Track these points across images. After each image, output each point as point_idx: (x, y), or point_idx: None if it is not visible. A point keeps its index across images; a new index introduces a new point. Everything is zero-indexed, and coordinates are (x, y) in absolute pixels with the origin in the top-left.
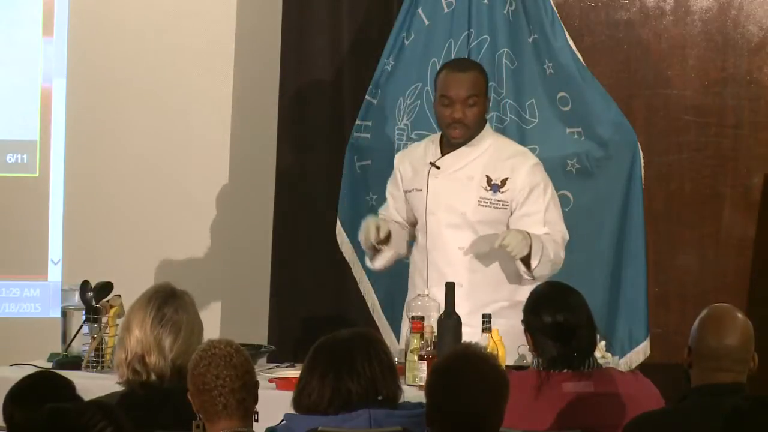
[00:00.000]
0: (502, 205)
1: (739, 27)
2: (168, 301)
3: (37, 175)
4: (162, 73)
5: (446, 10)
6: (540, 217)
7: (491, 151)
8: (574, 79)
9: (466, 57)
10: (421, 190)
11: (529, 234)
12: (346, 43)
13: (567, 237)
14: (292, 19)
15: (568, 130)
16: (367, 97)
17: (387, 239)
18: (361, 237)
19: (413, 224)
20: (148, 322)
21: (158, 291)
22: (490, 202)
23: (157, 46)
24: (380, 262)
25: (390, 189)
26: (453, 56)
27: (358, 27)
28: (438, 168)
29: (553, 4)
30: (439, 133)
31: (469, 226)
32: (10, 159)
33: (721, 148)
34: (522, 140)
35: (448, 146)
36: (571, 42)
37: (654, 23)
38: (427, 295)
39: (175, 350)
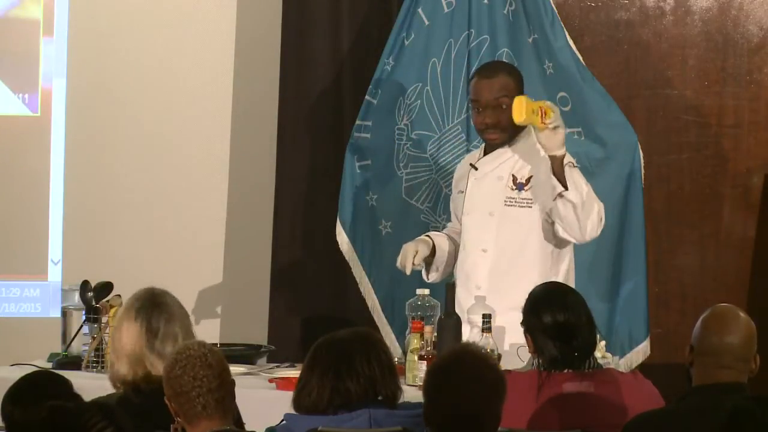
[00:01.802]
0: (527, 203)
1: (739, 27)
2: (154, 315)
3: (38, 172)
4: (162, 73)
5: (446, 10)
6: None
7: (522, 152)
8: (574, 79)
9: (496, 60)
10: (462, 191)
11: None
12: (346, 43)
13: (600, 214)
14: (292, 20)
15: (568, 130)
16: (367, 97)
17: (432, 255)
18: (399, 262)
19: None
20: (146, 349)
21: (140, 308)
22: (515, 201)
23: (157, 46)
24: (432, 276)
25: (451, 198)
26: (453, 56)
27: (358, 27)
28: (476, 169)
29: (553, 4)
30: None
31: (495, 227)
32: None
33: (721, 148)
34: None
35: (488, 147)
36: (571, 42)
37: (654, 23)
38: (428, 295)
39: None
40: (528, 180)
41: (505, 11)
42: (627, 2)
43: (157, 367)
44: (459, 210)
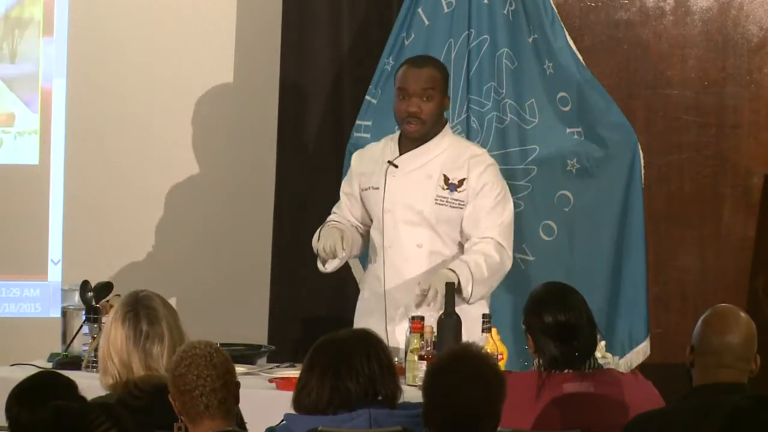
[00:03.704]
0: (459, 204)
1: (739, 27)
2: (139, 318)
3: (38, 172)
4: (162, 73)
5: (446, 10)
6: (487, 209)
7: (450, 152)
8: (574, 79)
9: (427, 54)
10: (378, 188)
11: (451, 269)
12: (346, 43)
13: (505, 239)
14: (292, 19)
15: (568, 130)
16: (367, 97)
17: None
18: (320, 246)
19: (366, 224)
20: (135, 354)
21: (127, 312)
22: (447, 201)
23: (157, 46)
24: (332, 266)
25: (345, 189)
26: (453, 56)
27: (358, 27)
28: (396, 167)
29: (553, 4)
30: (397, 132)
31: (427, 223)
32: (10, 158)
33: (721, 148)
34: (522, 140)
35: (406, 145)
36: (571, 42)
37: (654, 23)
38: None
39: (165, 358)
40: (461, 182)
41: (505, 11)
42: (627, 2)
43: (147, 368)
44: (376, 207)
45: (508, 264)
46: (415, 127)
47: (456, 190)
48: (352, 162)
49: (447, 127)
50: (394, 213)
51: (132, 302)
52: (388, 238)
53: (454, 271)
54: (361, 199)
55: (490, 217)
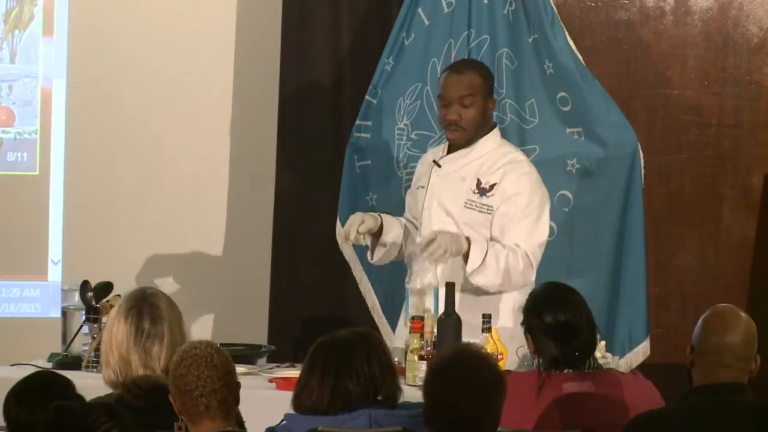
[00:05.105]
0: (487, 209)
1: (739, 27)
2: (143, 315)
3: (37, 174)
4: (162, 73)
5: (446, 10)
6: (518, 219)
7: (490, 156)
8: (574, 79)
9: (469, 58)
10: (424, 186)
11: (466, 238)
12: (346, 43)
13: (534, 256)
14: (292, 19)
15: (568, 130)
16: (367, 97)
17: (379, 232)
18: (344, 230)
19: None
20: (134, 352)
21: (130, 308)
22: (475, 205)
23: (157, 46)
24: (377, 256)
25: (409, 192)
26: (453, 56)
27: (358, 27)
28: (439, 166)
29: (553, 4)
30: None
31: (455, 225)
32: (10, 157)
33: (721, 148)
34: (522, 140)
35: (453, 146)
36: (571, 42)
37: (654, 23)
38: None
39: (163, 359)
40: (492, 187)
41: (505, 11)
42: (627, 2)
43: (145, 367)
44: (420, 205)
45: (526, 278)
46: (456, 134)
47: (485, 195)
48: (417, 164)
49: (495, 131)
50: (430, 211)
51: (137, 299)
52: (423, 235)
53: (468, 239)
54: (416, 199)
55: (519, 226)
